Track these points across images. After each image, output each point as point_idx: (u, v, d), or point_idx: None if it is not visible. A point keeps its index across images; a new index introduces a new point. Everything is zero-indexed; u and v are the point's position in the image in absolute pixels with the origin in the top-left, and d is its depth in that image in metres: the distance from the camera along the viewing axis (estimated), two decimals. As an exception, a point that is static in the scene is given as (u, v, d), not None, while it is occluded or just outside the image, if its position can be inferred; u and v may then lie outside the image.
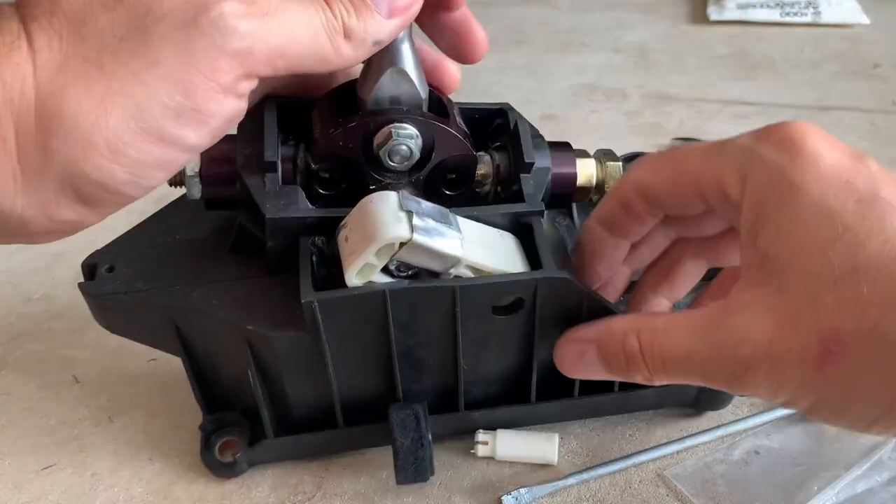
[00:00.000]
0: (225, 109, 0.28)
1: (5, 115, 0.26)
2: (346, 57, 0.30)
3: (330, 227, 0.33)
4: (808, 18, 0.88)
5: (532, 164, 0.36)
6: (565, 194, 0.39)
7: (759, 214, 0.28)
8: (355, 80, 0.35)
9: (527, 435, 0.41)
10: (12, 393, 0.46)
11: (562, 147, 0.39)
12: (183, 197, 0.39)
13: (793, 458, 0.41)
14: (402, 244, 0.31)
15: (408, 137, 0.33)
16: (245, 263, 0.36)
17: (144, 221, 0.39)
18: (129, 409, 0.44)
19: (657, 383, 0.31)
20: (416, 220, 0.31)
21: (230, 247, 0.37)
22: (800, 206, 0.27)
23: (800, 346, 0.26)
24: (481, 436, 0.41)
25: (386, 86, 0.33)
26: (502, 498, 0.39)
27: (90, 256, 0.37)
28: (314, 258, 0.33)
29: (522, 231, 0.35)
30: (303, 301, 0.31)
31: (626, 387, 0.40)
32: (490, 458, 0.41)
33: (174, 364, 0.47)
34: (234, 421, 0.40)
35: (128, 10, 0.27)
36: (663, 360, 0.30)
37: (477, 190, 0.37)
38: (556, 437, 0.41)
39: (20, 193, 0.27)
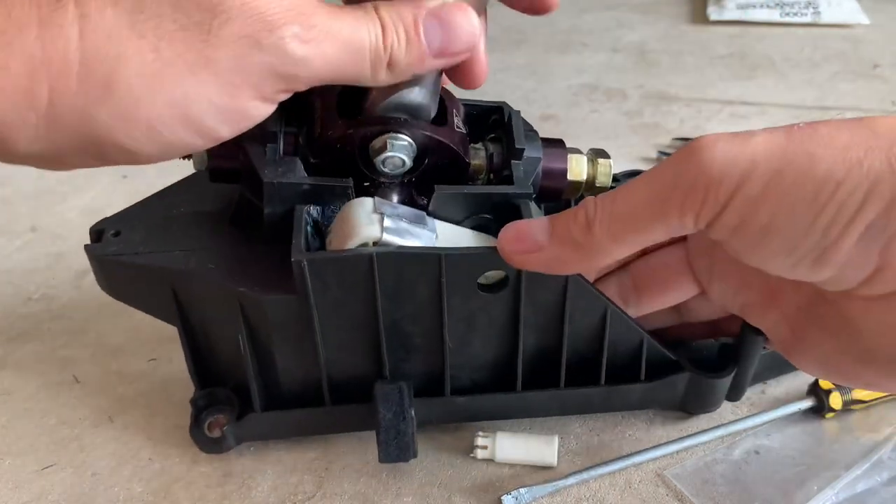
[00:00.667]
0: (261, 114, 0.30)
1: (41, 73, 0.26)
2: (382, 82, 0.31)
3: (325, 197, 0.35)
4: (808, 18, 0.88)
5: (522, 150, 0.37)
6: (556, 188, 0.39)
7: None
8: None
9: (526, 438, 0.41)
10: (12, 393, 0.46)
11: (554, 143, 0.40)
12: (190, 176, 0.41)
13: (793, 458, 0.41)
14: (374, 243, 0.33)
15: (402, 149, 0.34)
16: (243, 233, 0.37)
17: (152, 196, 0.41)
18: (129, 409, 0.44)
19: (599, 255, 0.30)
20: (387, 222, 0.33)
21: (230, 218, 0.38)
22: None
23: (770, 129, 0.27)
24: (480, 440, 0.41)
25: (402, 97, 0.34)
26: (502, 498, 0.39)
27: (98, 223, 0.39)
28: (308, 227, 0.34)
29: (511, 213, 0.36)
30: (293, 259, 0.32)
31: (612, 380, 0.40)
32: (490, 459, 0.41)
33: (174, 364, 0.47)
34: (225, 397, 0.40)
35: (194, 3, 0.27)
36: (612, 213, 0.29)
37: (470, 183, 0.38)
38: (556, 440, 0.41)
39: (39, 143, 0.28)
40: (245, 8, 0.27)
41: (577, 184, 0.40)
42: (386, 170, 0.35)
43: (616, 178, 0.46)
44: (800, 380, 0.45)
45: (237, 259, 0.36)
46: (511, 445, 0.40)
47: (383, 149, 0.34)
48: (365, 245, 0.33)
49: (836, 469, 0.40)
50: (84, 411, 0.44)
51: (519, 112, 0.38)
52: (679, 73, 0.80)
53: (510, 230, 0.32)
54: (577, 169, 0.39)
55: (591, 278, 0.38)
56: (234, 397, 0.40)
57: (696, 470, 0.40)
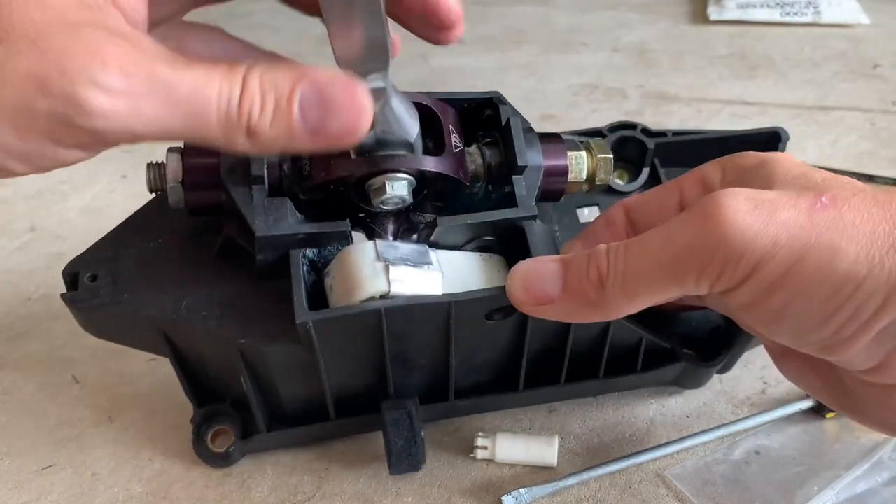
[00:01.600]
0: (68, 158, 0.26)
1: None
2: (243, 151, 0.27)
3: (321, 242, 0.33)
4: (808, 18, 0.88)
5: (525, 167, 0.35)
6: (557, 190, 0.38)
7: (741, 180, 0.30)
8: None
9: (526, 438, 0.41)
10: (12, 393, 0.46)
11: (552, 139, 0.38)
12: (159, 195, 0.37)
13: (793, 458, 0.41)
14: (382, 296, 0.31)
15: (402, 188, 0.33)
16: (232, 269, 0.35)
17: (123, 224, 0.38)
18: (129, 409, 0.44)
19: (612, 313, 0.29)
20: (393, 273, 0.31)
21: (216, 252, 0.36)
22: (777, 166, 0.29)
23: (791, 198, 0.26)
24: (480, 440, 0.41)
25: (370, 139, 0.32)
26: (502, 498, 0.39)
27: (70, 264, 0.36)
28: (305, 268, 0.33)
29: (515, 234, 0.35)
30: (297, 322, 0.31)
31: (610, 373, 0.41)
32: (490, 460, 0.41)
33: (174, 364, 0.47)
34: (225, 412, 0.40)
35: None
36: (626, 273, 0.28)
37: (467, 192, 0.37)
38: (556, 441, 0.41)
39: None
40: (38, 42, 0.23)
41: (577, 184, 0.39)
42: (386, 208, 0.34)
43: (602, 134, 0.45)
44: (800, 380, 0.45)
45: (230, 302, 0.34)
46: (511, 446, 0.40)
47: (382, 190, 0.32)
48: (371, 298, 0.32)
49: (837, 469, 0.40)
50: (84, 411, 0.44)
51: (517, 114, 0.36)
52: (679, 73, 0.80)
53: (518, 278, 0.31)
54: (578, 169, 0.38)
55: None
56: (234, 412, 0.40)
57: (696, 470, 0.40)
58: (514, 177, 0.35)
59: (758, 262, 0.25)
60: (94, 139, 0.25)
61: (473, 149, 0.36)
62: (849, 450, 0.41)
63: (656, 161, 0.46)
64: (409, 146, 0.33)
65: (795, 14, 0.89)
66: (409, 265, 0.32)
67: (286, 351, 0.33)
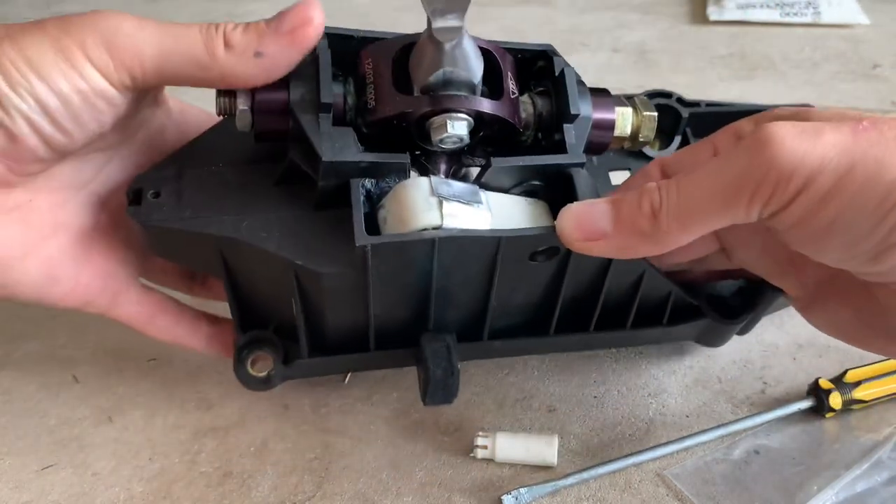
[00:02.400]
0: (100, 87, 0.32)
1: None
2: (225, 63, 0.32)
3: (381, 172, 0.35)
4: (808, 18, 0.88)
5: (577, 115, 0.36)
6: (602, 143, 0.39)
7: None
8: (414, 43, 0.35)
9: (526, 438, 0.41)
10: (12, 393, 0.46)
11: (601, 94, 0.39)
12: (221, 123, 0.39)
13: (793, 458, 0.41)
14: (434, 228, 0.33)
15: (461, 128, 0.34)
16: (291, 195, 0.36)
17: (184, 147, 0.39)
18: (129, 409, 0.44)
19: (665, 244, 0.30)
20: (446, 208, 0.33)
21: (276, 179, 0.37)
22: (812, 112, 0.31)
23: (834, 124, 0.28)
24: (480, 440, 0.41)
25: (438, 78, 0.34)
26: (502, 498, 0.39)
27: (136, 181, 0.37)
28: (362, 198, 0.34)
29: (562, 181, 0.36)
30: (357, 244, 0.32)
31: (637, 325, 0.42)
32: (490, 459, 0.41)
33: (174, 364, 0.47)
34: (267, 339, 0.40)
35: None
36: (679, 204, 0.29)
37: (516, 139, 0.38)
38: (556, 441, 0.41)
39: None
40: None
41: (621, 139, 0.39)
42: (444, 147, 0.35)
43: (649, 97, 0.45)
44: (800, 380, 0.45)
45: (290, 227, 0.36)
46: (511, 445, 0.40)
47: (442, 128, 0.34)
48: (425, 229, 0.33)
49: (836, 469, 0.40)
50: (84, 411, 0.44)
51: (571, 68, 0.37)
52: (679, 73, 0.80)
53: (570, 216, 0.32)
54: (623, 124, 0.39)
55: None
56: (277, 339, 0.40)
57: (696, 470, 0.40)
58: (565, 125, 0.36)
59: (807, 178, 0.27)
60: (115, 60, 0.32)
61: (525, 98, 0.37)
62: (848, 450, 0.41)
63: (688, 130, 0.47)
64: (473, 88, 0.34)
65: (795, 14, 0.89)
66: (462, 202, 0.34)
67: (341, 275, 0.34)
